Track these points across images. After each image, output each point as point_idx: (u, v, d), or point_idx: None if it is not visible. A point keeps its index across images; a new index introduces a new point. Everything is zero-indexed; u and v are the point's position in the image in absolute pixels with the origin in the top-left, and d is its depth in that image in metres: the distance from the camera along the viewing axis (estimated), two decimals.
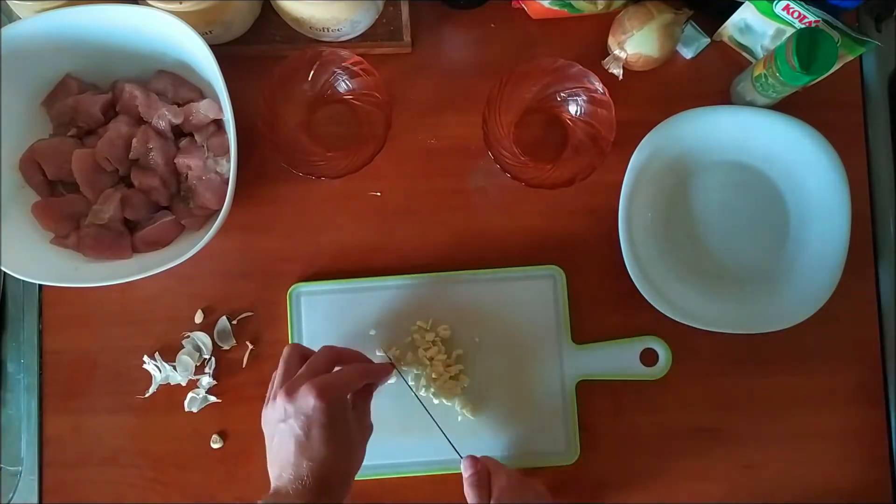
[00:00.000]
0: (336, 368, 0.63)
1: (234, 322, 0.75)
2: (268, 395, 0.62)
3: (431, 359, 0.72)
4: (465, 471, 0.64)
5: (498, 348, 0.73)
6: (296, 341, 0.73)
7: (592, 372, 0.72)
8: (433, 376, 0.71)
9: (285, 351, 0.64)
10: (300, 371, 0.60)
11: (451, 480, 0.70)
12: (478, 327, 0.73)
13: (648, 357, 0.73)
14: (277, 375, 0.62)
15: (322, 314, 0.73)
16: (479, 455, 0.66)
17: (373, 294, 0.73)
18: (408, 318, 0.73)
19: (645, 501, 0.73)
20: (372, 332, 0.73)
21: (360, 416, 0.62)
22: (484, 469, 0.64)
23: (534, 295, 0.73)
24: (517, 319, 0.73)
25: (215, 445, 0.74)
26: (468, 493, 0.62)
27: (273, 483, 0.57)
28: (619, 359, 0.73)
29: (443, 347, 0.72)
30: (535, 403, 0.72)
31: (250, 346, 0.74)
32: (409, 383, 0.71)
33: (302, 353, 0.63)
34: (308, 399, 0.56)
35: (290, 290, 0.73)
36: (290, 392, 0.57)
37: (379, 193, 0.76)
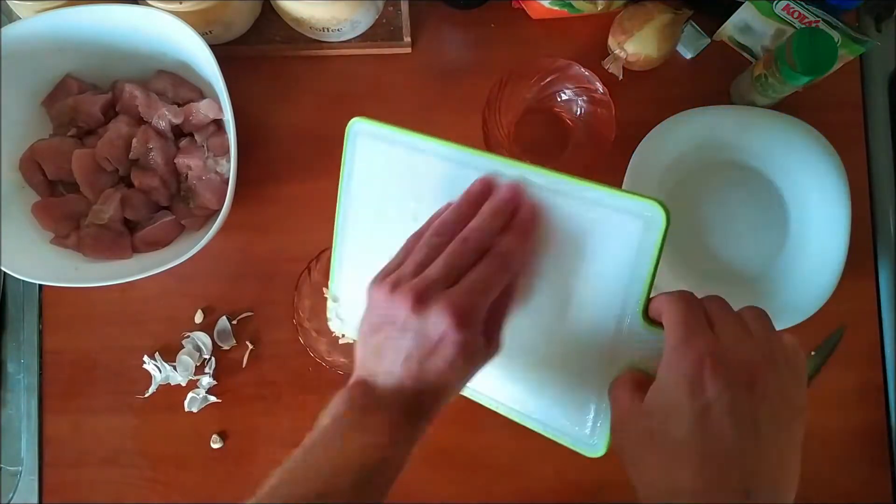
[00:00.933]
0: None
1: (234, 322, 0.75)
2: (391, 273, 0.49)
3: None
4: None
5: (549, 284, 0.53)
6: (345, 183, 0.60)
7: (650, 365, 0.49)
8: None
9: (423, 228, 0.51)
10: (435, 266, 0.47)
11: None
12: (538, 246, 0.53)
13: None
14: (406, 254, 0.50)
15: (377, 164, 0.59)
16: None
17: (437, 163, 0.56)
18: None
19: (645, 502, 0.73)
20: (412, 205, 0.58)
21: (489, 337, 0.49)
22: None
23: (614, 232, 0.50)
24: (582, 254, 0.51)
25: (215, 445, 0.74)
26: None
27: (362, 374, 0.48)
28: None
29: None
30: (567, 371, 0.54)
31: (250, 346, 0.74)
32: None
33: (442, 232, 0.50)
34: (440, 324, 0.45)
35: (349, 123, 0.60)
36: (420, 302, 0.45)
37: None
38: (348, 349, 0.73)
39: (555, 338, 0.54)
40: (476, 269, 0.48)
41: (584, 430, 0.53)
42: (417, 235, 0.51)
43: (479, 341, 0.48)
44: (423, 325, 0.46)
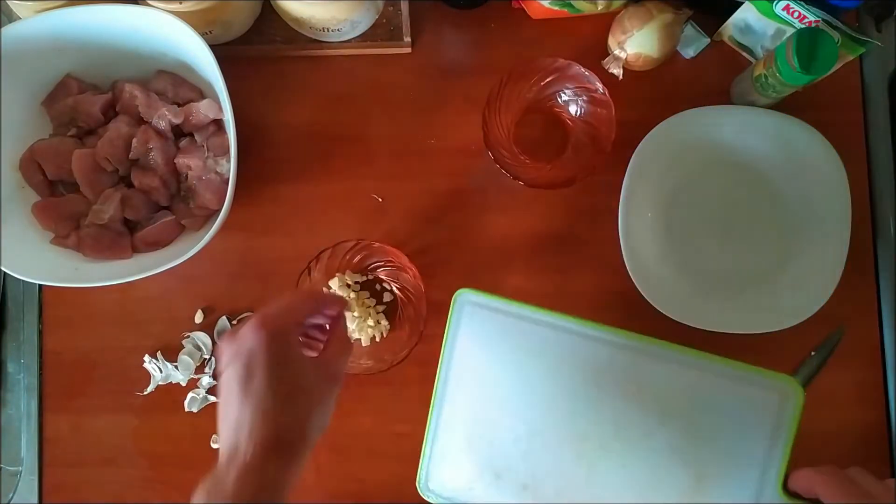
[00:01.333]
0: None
1: (234, 322, 0.75)
2: None
3: None
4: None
5: (682, 455, 0.55)
6: (447, 352, 0.62)
7: None
8: None
9: None
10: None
11: None
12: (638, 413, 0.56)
13: None
14: None
15: (485, 334, 0.61)
16: None
17: (549, 336, 0.59)
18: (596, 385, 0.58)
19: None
20: (527, 375, 0.59)
21: (321, 361, 0.53)
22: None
23: (749, 406, 0.53)
24: (715, 426, 0.54)
25: (215, 445, 0.74)
26: None
27: (221, 448, 0.50)
28: None
29: None
30: None
31: None
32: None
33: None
34: (248, 334, 0.48)
35: (456, 294, 0.62)
36: (233, 332, 0.50)
37: (381, 199, 0.76)
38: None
39: None
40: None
41: None
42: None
43: (293, 347, 0.50)
44: (240, 344, 0.49)
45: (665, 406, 0.55)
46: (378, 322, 0.73)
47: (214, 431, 0.74)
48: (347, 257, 0.73)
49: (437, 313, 0.67)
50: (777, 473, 0.51)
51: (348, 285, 0.73)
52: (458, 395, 0.62)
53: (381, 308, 0.74)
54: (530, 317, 0.59)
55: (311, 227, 0.75)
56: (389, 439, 0.73)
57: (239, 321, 0.75)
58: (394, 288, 0.74)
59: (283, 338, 0.49)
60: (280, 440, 0.48)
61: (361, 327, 0.72)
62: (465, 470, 0.61)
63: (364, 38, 0.76)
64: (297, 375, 0.49)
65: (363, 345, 0.72)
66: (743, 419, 0.53)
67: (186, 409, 0.73)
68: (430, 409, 0.63)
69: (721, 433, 0.53)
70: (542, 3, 0.72)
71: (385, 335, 0.73)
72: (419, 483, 0.63)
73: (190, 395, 0.73)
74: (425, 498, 0.62)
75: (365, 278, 0.75)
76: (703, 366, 0.54)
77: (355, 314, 0.72)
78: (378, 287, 0.75)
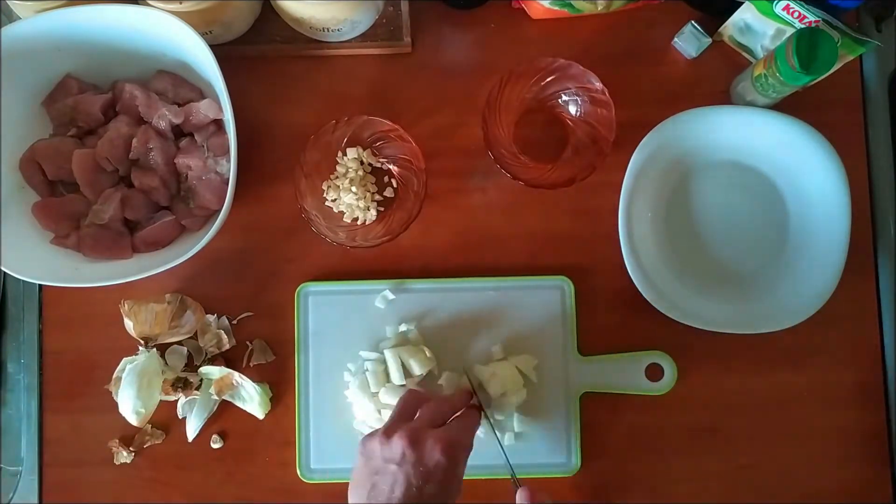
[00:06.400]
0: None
1: (234, 322, 0.75)
2: (382, 428, 0.60)
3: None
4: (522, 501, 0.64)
5: (506, 351, 0.73)
6: (302, 340, 0.73)
7: (597, 385, 0.72)
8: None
9: (405, 394, 0.64)
10: (419, 417, 0.61)
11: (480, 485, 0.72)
12: (484, 334, 0.73)
13: (654, 371, 0.73)
14: (395, 414, 0.62)
15: (329, 314, 0.73)
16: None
17: (380, 297, 0.73)
18: (418, 322, 0.73)
19: (644, 502, 0.73)
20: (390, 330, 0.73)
21: (461, 476, 0.61)
22: None
23: (542, 305, 0.73)
24: (524, 329, 0.73)
25: (215, 445, 0.74)
26: None
27: None
28: (624, 373, 0.72)
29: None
30: (539, 414, 0.72)
31: (250, 346, 0.74)
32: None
33: (419, 399, 0.64)
34: (434, 454, 0.57)
35: (298, 288, 0.73)
36: (415, 440, 0.57)
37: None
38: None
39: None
40: (460, 417, 0.63)
41: (562, 458, 0.72)
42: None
43: (462, 472, 0.59)
44: (420, 456, 0.56)
45: (497, 319, 0.73)
46: (368, 208, 0.74)
47: (214, 431, 0.74)
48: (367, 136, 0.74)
49: None
50: (572, 342, 0.72)
51: (361, 162, 0.74)
52: (319, 377, 0.73)
53: (378, 199, 0.75)
54: (368, 289, 0.73)
55: (311, 228, 0.75)
56: None
57: (239, 321, 0.75)
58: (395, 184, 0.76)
59: (458, 467, 0.58)
60: None
61: (352, 205, 0.74)
62: (344, 439, 0.71)
63: (364, 38, 0.76)
64: (453, 494, 0.58)
65: (343, 220, 0.75)
66: (544, 313, 0.73)
67: (180, 416, 0.74)
68: (296, 401, 0.72)
69: (534, 327, 0.73)
70: (542, 3, 0.72)
71: (366, 224, 0.75)
72: (300, 469, 0.72)
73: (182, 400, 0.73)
74: (309, 481, 0.72)
75: (379, 165, 0.76)
76: (511, 285, 0.73)
77: (353, 189, 0.73)
78: (386, 179, 0.76)
